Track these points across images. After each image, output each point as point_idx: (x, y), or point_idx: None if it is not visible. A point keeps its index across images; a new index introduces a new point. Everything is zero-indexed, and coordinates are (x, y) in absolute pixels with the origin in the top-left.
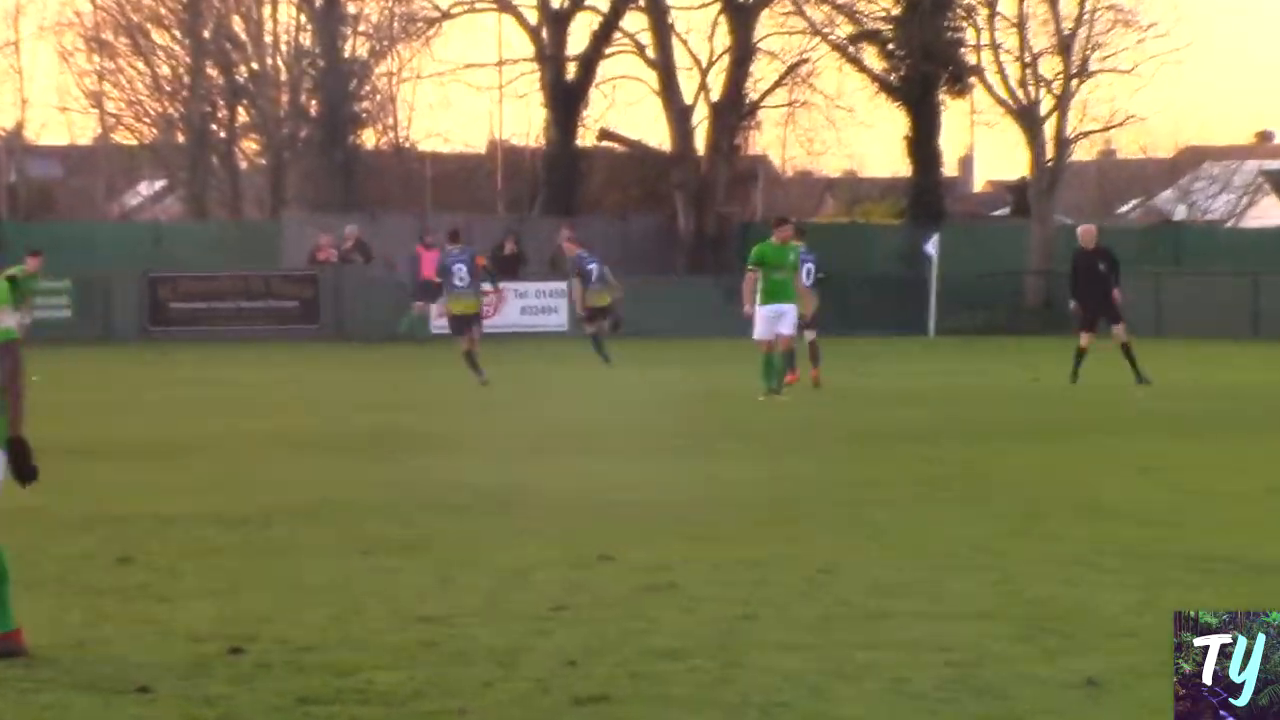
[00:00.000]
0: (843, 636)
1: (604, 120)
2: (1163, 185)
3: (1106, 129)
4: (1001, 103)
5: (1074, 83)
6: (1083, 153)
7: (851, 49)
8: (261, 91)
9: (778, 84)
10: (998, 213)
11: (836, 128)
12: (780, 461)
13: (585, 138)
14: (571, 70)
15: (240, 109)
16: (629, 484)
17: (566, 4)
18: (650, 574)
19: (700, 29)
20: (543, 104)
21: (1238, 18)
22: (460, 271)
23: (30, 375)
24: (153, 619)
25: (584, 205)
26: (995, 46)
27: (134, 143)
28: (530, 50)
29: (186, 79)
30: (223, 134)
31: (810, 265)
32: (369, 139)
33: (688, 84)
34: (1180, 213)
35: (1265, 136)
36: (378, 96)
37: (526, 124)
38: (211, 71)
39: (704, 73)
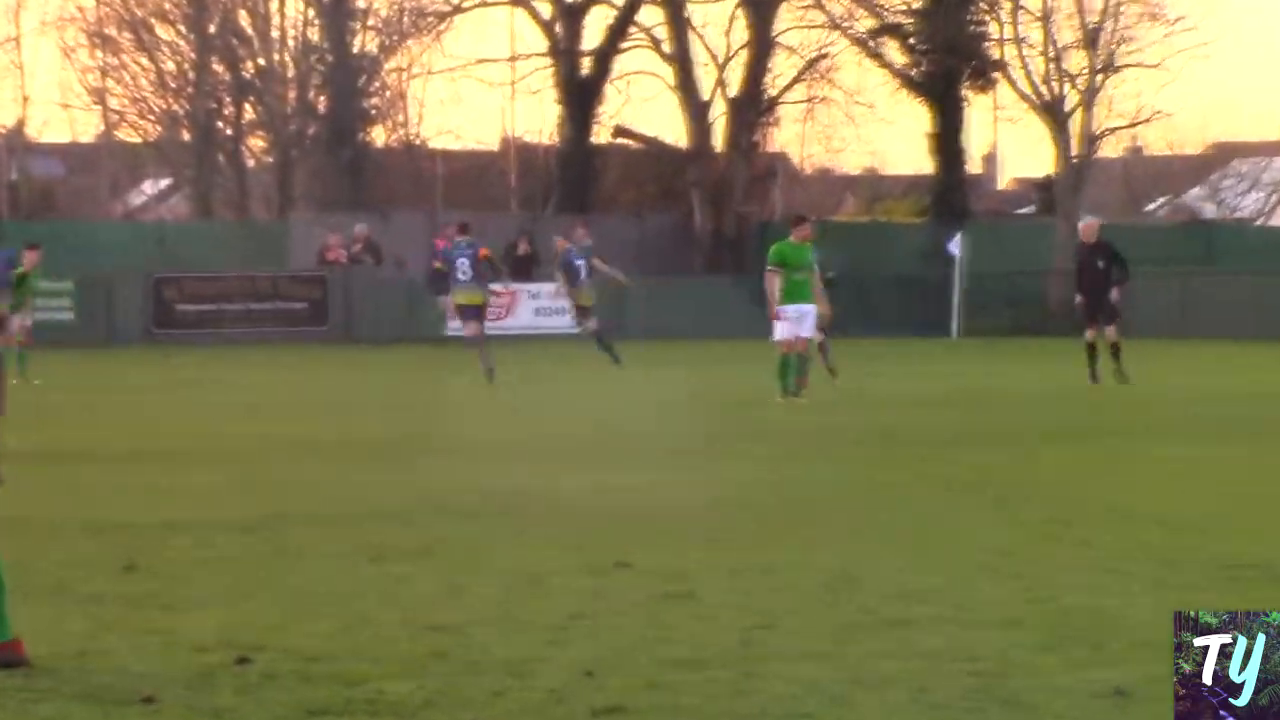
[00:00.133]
0: (864, 645)
1: (619, 116)
2: (1191, 183)
3: (1133, 125)
4: (1026, 98)
5: (1100, 78)
6: (1109, 149)
7: (872, 43)
8: (268, 88)
9: (797, 79)
10: (1023, 211)
11: (857, 124)
12: (800, 465)
13: (600, 134)
14: (586, 65)
15: (247, 106)
16: (645, 488)
17: None
18: (667, 581)
19: (718, 23)
20: (557, 100)
21: (1267, 11)
22: (463, 265)
23: (32, 379)
24: (157, 628)
25: (599, 203)
26: (1020, 40)
27: (138, 140)
28: (544, 45)
29: (191, 75)
30: (229, 131)
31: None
32: (379, 136)
33: (705, 79)
34: (1209, 211)
35: None
36: (388, 93)
37: (540, 120)
38: (217, 67)
39: (721, 68)
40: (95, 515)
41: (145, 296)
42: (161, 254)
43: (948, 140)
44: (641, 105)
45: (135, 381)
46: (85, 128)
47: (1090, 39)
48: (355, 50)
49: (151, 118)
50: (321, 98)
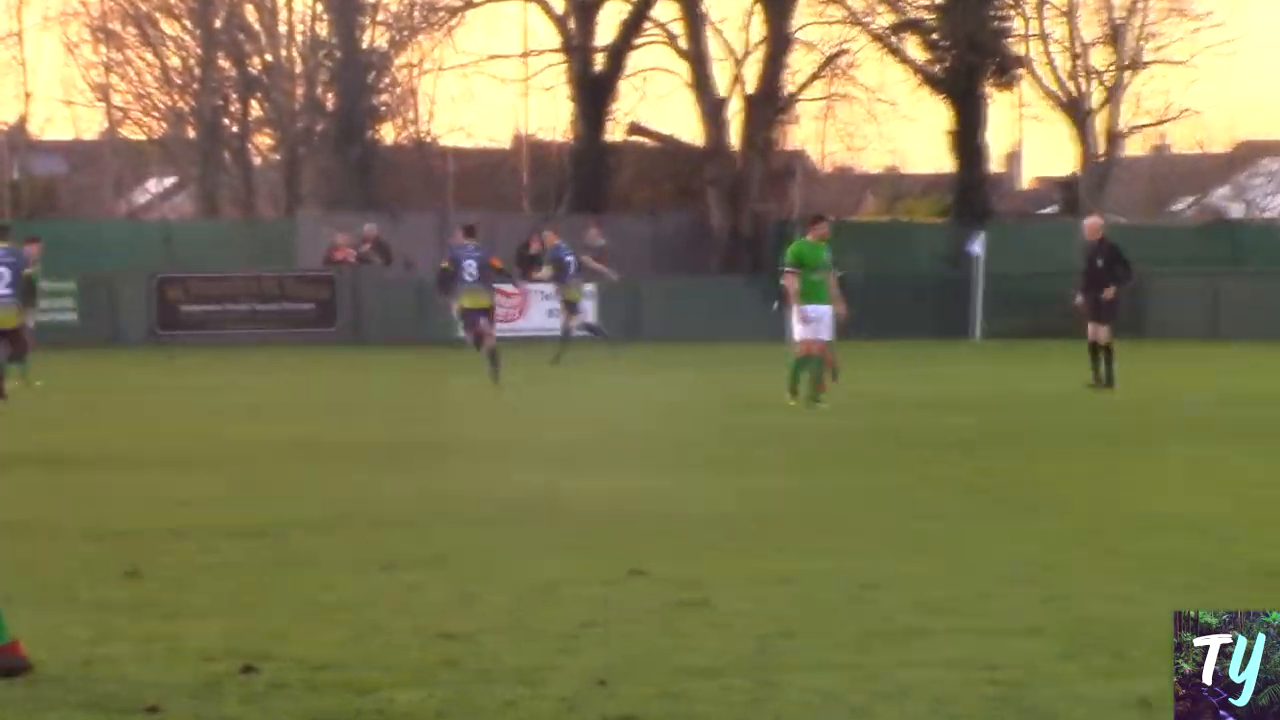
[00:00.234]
0: (884, 655)
1: (634, 114)
2: (1218, 181)
3: (1159, 123)
4: (1050, 95)
5: (1126, 74)
6: (1135, 147)
7: (893, 39)
8: (276, 84)
9: (815, 76)
10: (1046, 210)
11: (877, 121)
12: (818, 471)
13: (614, 132)
14: (600, 61)
15: (254, 102)
16: (660, 494)
17: None
18: (682, 589)
19: (735, 18)
20: (570, 97)
21: None
22: (470, 267)
23: (34, 380)
24: (162, 636)
25: (613, 202)
26: (1044, 36)
27: (142, 138)
28: (557, 41)
29: (197, 71)
30: (235, 128)
31: None
32: (388, 134)
33: (721, 76)
34: (1236, 210)
35: None
36: (397, 89)
37: (553, 118)
38: (224, 63)
39: (738, 64)
40: (97, 520)
41: (149, 297)
42: (166, 254)
43: (969, 138)
44: (656, 102)
45: (138, 383)
46: (88, 125)
47: (1116, 35)
48: (365, 46)
49: (156, 115)
50: (330, 94)
